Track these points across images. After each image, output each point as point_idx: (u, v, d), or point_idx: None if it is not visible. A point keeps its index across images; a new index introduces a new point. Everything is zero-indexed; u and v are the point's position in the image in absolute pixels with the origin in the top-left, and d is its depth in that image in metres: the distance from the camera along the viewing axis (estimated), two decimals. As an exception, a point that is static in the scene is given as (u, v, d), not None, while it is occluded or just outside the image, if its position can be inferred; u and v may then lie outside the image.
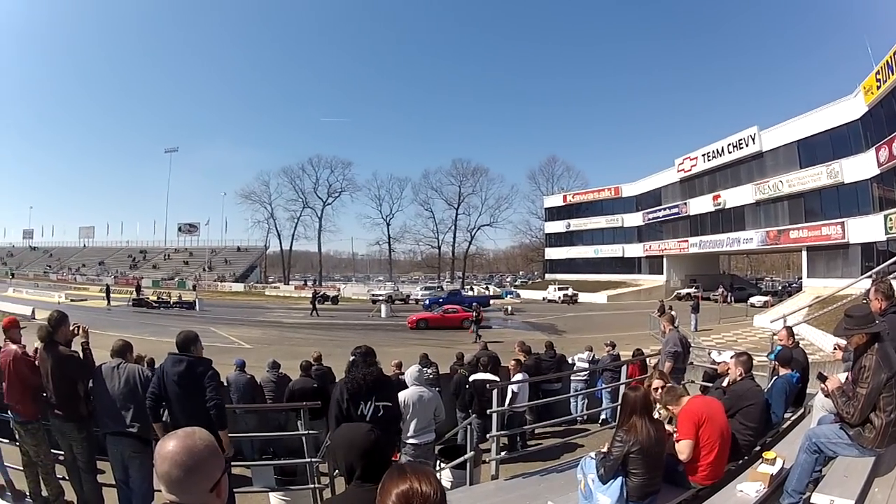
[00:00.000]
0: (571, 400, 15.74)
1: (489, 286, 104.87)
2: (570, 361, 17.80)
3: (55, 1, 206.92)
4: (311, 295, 62.85)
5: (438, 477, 2.50)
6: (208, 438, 2.21)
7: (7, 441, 7.91)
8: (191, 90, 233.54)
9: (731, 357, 8.26)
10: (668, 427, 6.58)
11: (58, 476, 7.46)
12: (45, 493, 7.37)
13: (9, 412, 7.39)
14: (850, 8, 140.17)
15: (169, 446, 2.11)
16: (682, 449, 6.23)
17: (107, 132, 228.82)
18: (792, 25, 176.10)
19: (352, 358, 7.44)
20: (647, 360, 15.04)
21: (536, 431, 13.57)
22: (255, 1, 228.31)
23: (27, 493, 7.48)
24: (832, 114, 48.14)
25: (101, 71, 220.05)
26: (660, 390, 7.21)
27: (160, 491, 2.08)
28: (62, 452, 7.42)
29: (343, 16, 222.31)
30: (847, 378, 6.10)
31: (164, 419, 6.84)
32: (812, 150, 50.88)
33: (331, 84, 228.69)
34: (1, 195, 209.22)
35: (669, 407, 6.69)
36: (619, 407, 6.72)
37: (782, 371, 8.77)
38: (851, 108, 45.78)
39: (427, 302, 63.54)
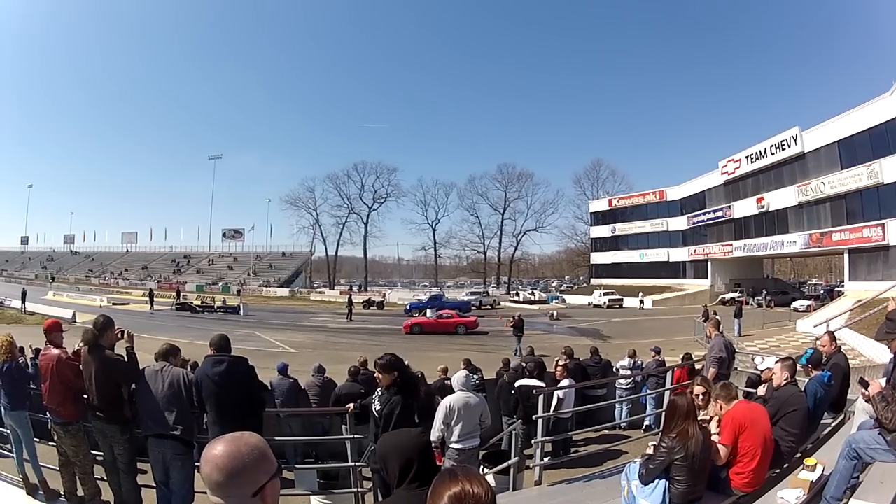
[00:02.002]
0: (616, 406, 15.67)
1: (534, 291, 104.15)
2: (613, 368, 17.74)
3: (92, 7, 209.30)
4: (347, 299, 62.87)
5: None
6: (256, 443, 2.18)
7: (39, 440, 8.10)
8: (234, 97, 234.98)
9: (777, 362, 8.20)
10: (713, 425, 6.60)
11: (95, 476, 7.61)
12: (80, 492, 7.52)
13: (47, 413, 7.56)
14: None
15: (214, 450, 2.11)
16: (720, 452, 6.23)
17: (149, 139, 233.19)
18: (826, 16, 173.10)
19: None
20: (695, 365, 14.94)
21: (577, 438, 13.50)
22: (296, 6, 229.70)
23: (61, 493, 7.65)
24: (870, 112, 47.39)
25: (142, 77, 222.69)
26: (701, 396, 7.20)
27: (201, 493, 2.12)
28: (100, 453, 7.55)
29: (386, 20, 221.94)
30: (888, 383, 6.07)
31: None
32: (852, 150, 49.98)
33: (373, 89, 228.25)
34: (41, 201, 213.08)
35: (720, 402, 6.67)
36: (664, 413, 6.70)
37: (814, 372, 8.72)
38: (889, 106, 45.16)
39: (408, 307, 64.53)
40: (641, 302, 71.21)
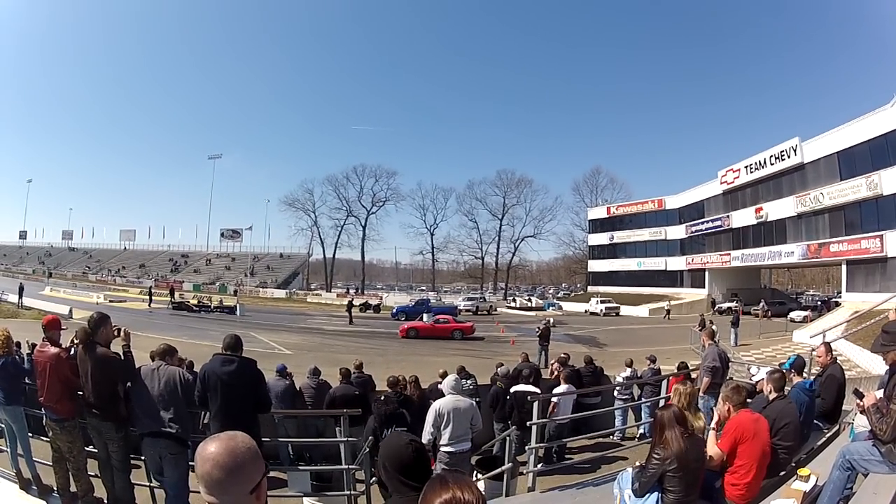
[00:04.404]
0: (616, 413, 15.68)
1: (531, 297, 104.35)
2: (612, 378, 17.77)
3: (95, 4, 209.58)
4: (347, 303, 62.89)
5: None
6: (250, 442, 2.24)
7: (33, 435, 8.08)
8: (236, 97, 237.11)
9: (765, 374, 8.22)
10: (696, 423, 6.63)
11: (89, 473, 7.58)
12: (73, 488, 7.49)
13: (42, 409, 7.51)
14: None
15: (211, 448, 2.15)
16: (714, 456, 6.28)
17: (149, 137, 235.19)
18: (828, 28, 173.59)
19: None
20: (691, 373, 14.94)
21: (571, 445, 13.50)
22: (301, 9, 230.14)
23: (54, 488, 7.62)
24: (870, 124, 47.52)
25: (144, 75, 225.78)
26: (680, 391, 7.20)
27: (194, 492, 2.12)
28: (95, 450, 7.52)
29: (389, 25, 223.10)
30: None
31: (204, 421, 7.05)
32: (852, 162, 50.08)
33: (375, 92, 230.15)
34: (40, 196, 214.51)
35: (728, 404, 6.71)
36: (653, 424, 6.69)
37: (796, 379, 8.74)
38: (889, 118, 45.32)
39: (395, 310, 64.56)
40: (668, 311, 67.83)
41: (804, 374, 8.94)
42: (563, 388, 12.97)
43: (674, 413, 5.91)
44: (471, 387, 14.73)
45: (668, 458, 5.62)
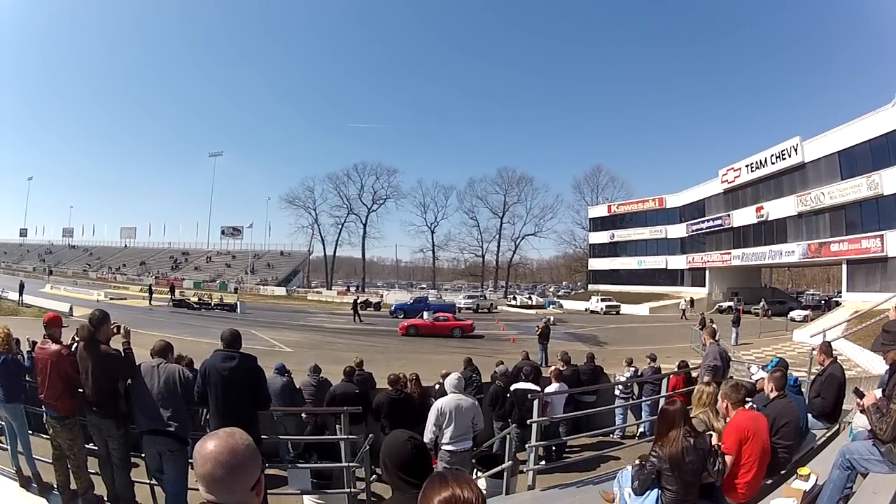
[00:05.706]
0: (616, 412, 15.68)
1: (532, 296, 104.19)
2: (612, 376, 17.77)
3: (95, 2, 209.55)
4: (352, 301, 62.55)
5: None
6: (248, 438, 2.24)
7: (33, 433, 8.07)
8: (237, 95, 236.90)
9: (767, 374, 8.22)
10: (716, 424, 6.60)
11: (89, 470, 7.57)
12: (73, 486, 7.48)
13: (43, 407, 7.50)
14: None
15: (210, 446, 2.14)
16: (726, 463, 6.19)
17: (150, 135, 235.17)
18: (830, 27, 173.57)
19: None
20: (691, 372, 14.94)
21: (571, 443, 13.49)
22: (301, 7, 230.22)
23: (54, 486, 7.60)
24: (871, 124, 47.41)
25: (144, 73, 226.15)
26: (705, 395, 7.16)
27: (193, 489, 2.11)
28: (95, 447, 7.53)
29: (390, 22, 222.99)
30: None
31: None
32: (852, 161, 49.95)
33: (376, 90, 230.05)
34: (41, 193, 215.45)
35: (726, 402, 6.68)
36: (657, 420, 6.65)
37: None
38: (890, 117, 45.24)
39: (393, 308, 64.74)
40: (684, 311, 64.51)
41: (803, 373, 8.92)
42: (553, 387, 12.98)
43: (678, 411, 5.90)
44: (474, 382, 14.75)
45: (667, 455, 5.61)
